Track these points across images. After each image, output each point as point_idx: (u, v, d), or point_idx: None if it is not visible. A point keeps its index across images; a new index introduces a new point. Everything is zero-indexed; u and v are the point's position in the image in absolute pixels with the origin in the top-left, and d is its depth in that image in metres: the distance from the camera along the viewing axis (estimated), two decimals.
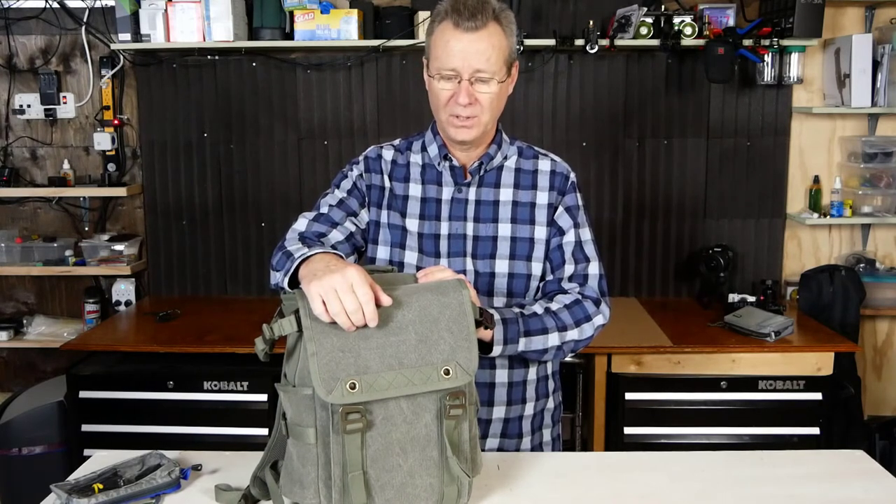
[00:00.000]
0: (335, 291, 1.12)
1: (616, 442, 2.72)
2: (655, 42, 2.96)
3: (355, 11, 2.98)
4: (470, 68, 1.47)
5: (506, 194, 1.60)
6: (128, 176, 3.34)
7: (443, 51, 1.48)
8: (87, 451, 2.55)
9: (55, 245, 3.27)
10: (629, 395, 2.70)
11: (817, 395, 2.69)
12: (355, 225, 1.60)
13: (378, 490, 1.15)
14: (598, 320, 1.56)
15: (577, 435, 2.89)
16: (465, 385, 1.19)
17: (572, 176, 1.65)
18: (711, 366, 2.69)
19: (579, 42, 2.97)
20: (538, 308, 1.52)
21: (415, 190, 1.62)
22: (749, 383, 2.69)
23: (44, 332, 3.27)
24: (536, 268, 1.60)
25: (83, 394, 2.70)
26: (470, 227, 1.59)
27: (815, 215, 3.18)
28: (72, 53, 3.26)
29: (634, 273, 3.31)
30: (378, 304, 1.15)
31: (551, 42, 2.98)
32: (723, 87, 3.17)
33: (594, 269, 1.60)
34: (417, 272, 1.33)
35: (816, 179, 3.24)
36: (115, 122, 3.26)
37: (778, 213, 3.27)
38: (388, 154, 1.66)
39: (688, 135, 3.23)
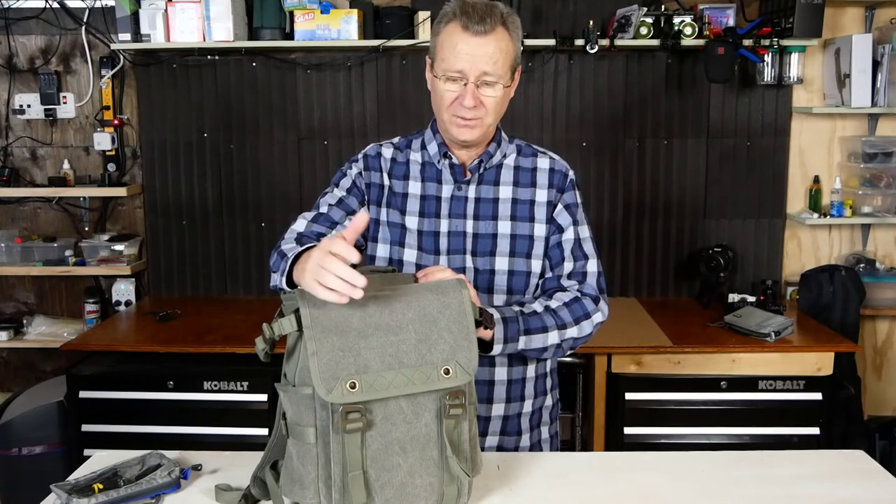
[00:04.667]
0: (321, 268, 1.13)
1: (616, 442, 2.72)
2: (655, 42, 2.96)
3: (355, 11, 2.98)
4: (477, 70, 1.47)
5: (505, 192, 1.61)
6: (128, 176, 3.34)
7: (450, 53, 1.48)
8: (87, 451, 2.54)
9: (55, 245, 3.27)
10: (629, 395, 2.70)
11: (817, 395, 2.69)
12: None
13: (378, 489, 1.15)
14: (598, 318, 1.57)
15: (577, 435, 2.89)
16: (465, 384, 1.19)
17: (571, 174, 1.66)
18: (711, 366, 2.69)
19: (579, 42, 2.97)
20: (538, 306, 1.52)
21: (414, 188, 1.62)
22: (749, 383, 2.69)
23: (44, 332, 3.27)
24: (536, 265, 1.60)
25: (83, 394, 2.70)
26: (469, 225, 1.59)
27: (815, 215, 3.18)
28: (72, 53, 3.26)
29: (634, 273, 3.31)
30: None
31: (551, 42, 2.98)
32: (723, 87, 3.17)
33: (593, 266, 1.61)
34: (417, 272, 1.34)
35: (816, 179, 3.24)
36: (115, 122, 3.26)
37: (778, 213, 3.27)
38: (387, 152, 1.66)
39: (688, 135, 3.23)
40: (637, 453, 1.50)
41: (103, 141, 3.23)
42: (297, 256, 1.36)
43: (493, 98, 1.50)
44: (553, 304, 1.54)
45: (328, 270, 1.12)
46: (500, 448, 1.62)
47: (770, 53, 3.02)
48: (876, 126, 3.22)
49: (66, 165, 3.30)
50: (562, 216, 1.61)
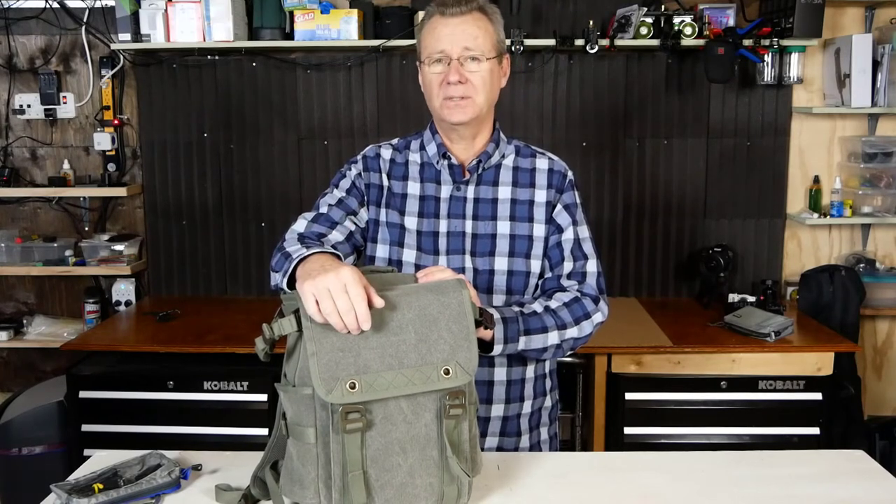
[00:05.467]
0: (328, 291, 1.12)
1: (616, 442, 2.72)
2: (655, 42, 2.96)
3: (355, 11, 2.98)
4: (458, 47, 1.51)
5: (504, 192, 1.61)
6: (128, 176, 3.34)
7: (431, 38, 1.53)
8: (87, 451, 2.55)
9: (55, 245, 3.27)
10: (629, 395, 2.70)
11: (817, 395, 2.69)
12: (355, 224, 1.61)
13: (378, 490, 1.15)
14: (597, 318, 1.57)
15: (577, 435, 2.89)
16: (465, 385, 1.19)
17: (570, 174, 1.66)
18: (711, 366, 2.69)
19: (579, 42, 2.97)
20: (538, 306, 1.52)
21: (413, 188, 1.62)
22: (749, 383, 2.69)
23: (44, 332, 3.27)
24: (535, 265, 1.60)
25: (83, 394, 2.70)
26: (469, 225, 1.59)
27: (815, 215, 3.18)
28: (72, 53, 3.26)
29: (634, 273, 3.31)
30: (371, 306, 1.14)
31: (551, 42, 2.98)
32: (723, 87, 3.17)
33: (592, 266, 1.61)
34: (417, 272, 1.33)
35: (816, 179, 3.24)
36: (115, 122, 3.26)
37: (778, 213, 3.27)
38: (386, 153, 1.66)
39: (688, 135, 3.23)
40: (637, 453, 1.50)
41: (103, 141, 3.23)
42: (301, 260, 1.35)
43: (479, 73, 1.53)
44: (553, 304, 1.54)
45: (332, 300, 1.11)
46: (499, 449, 1.62)
47: (770, 53, 3.02)
48: (876, 126, 3.22)
49: (66, 165, 3.30)
50: (561, 216, 1.61)
